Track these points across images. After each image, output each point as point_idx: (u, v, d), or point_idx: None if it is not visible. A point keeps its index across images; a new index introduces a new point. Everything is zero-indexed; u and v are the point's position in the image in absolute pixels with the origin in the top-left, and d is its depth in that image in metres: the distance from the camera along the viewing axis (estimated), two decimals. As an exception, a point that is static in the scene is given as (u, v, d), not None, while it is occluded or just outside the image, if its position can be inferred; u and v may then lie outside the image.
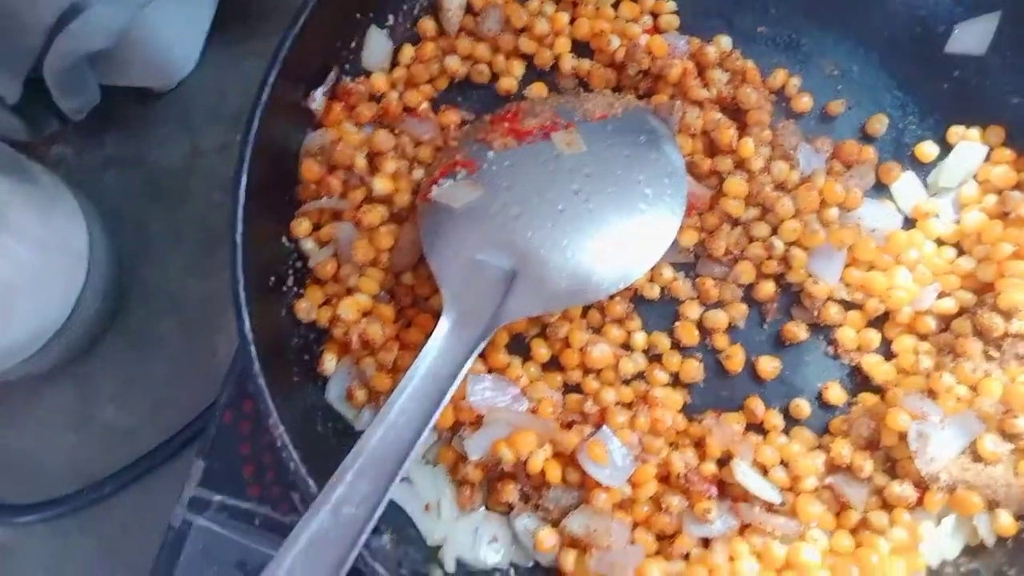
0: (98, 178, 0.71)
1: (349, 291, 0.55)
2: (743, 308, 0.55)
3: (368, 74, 0.59)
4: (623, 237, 0.51)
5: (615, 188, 0.52)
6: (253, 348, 0.48)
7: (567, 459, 0.52)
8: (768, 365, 0.55)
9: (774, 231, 0.55)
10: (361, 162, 0.56)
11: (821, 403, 0.55)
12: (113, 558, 0.64)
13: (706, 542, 0.52)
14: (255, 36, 0.71)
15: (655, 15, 0.59)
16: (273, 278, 0.54)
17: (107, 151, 0.72)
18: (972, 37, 0.56)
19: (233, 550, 0.56)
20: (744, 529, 0.52)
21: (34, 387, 0.66)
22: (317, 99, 0.57)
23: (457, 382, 0.47)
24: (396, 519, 0.53)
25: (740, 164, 0.56)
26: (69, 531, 0.64)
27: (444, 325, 0.49)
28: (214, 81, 0.71)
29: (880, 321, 0.55)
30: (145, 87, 0.70)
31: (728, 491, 0.52)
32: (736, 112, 0.57)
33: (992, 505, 0.50)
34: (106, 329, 0.68)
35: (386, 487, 0.44)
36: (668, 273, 0.56)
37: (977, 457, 0.50)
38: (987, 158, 0.56)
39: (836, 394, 0.54)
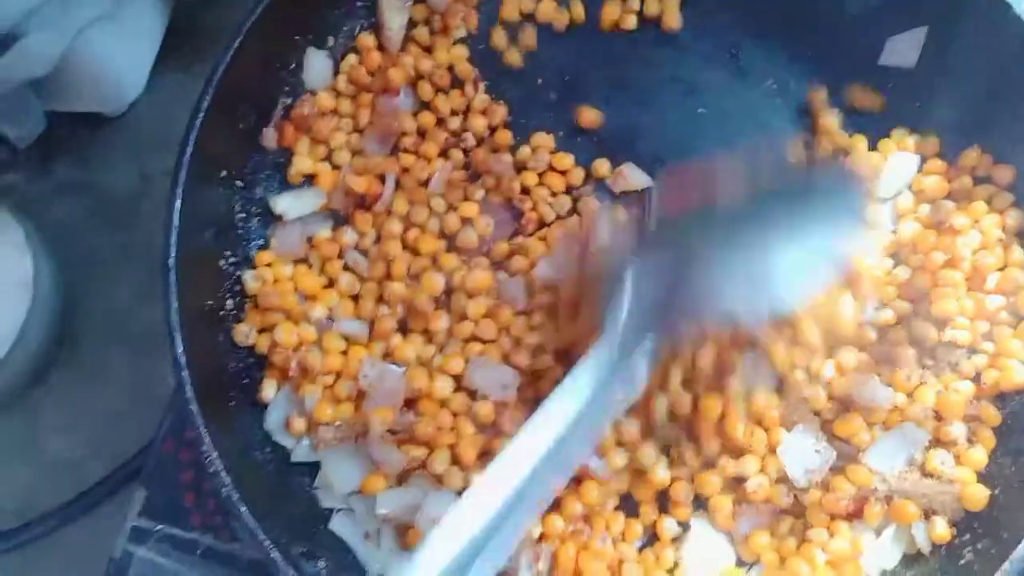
0: (47, 205, 0.70)
1: (289, 316, 0.55)
2: None
3: (313, 93, 0.59)
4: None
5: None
6: (186, 374, 0.48)
7: None
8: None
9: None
10: None
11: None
12: (61, 592, 0.63)
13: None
14: (204, 59, 0.71)
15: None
16: (210, 302, 0.54)
17: (57, 177, 0.71)
18: (903, 49, 0.57)
19: (175, 581, 0.55)
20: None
21: (-22, 420, 0.65)
22: (268, 135, 0.57)
23: None
24: (334, 547, 0.52)
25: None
26: (15, 566, 0.63)
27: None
28: (163, 105, 0.71)
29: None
30: (94, 112, 0.70)
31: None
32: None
33: (928, 513, 0.50)
34: (54, 358, 0.67)
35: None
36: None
37: (918, 469, 0.50)
38: (920, 168, 0.56)
39: None
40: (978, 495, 0.49)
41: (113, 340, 0.67)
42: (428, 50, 0.60)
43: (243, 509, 0.47)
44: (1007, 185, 0.55)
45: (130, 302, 0.68)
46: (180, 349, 0.48)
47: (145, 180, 0.71)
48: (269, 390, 0.54)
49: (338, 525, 0.53)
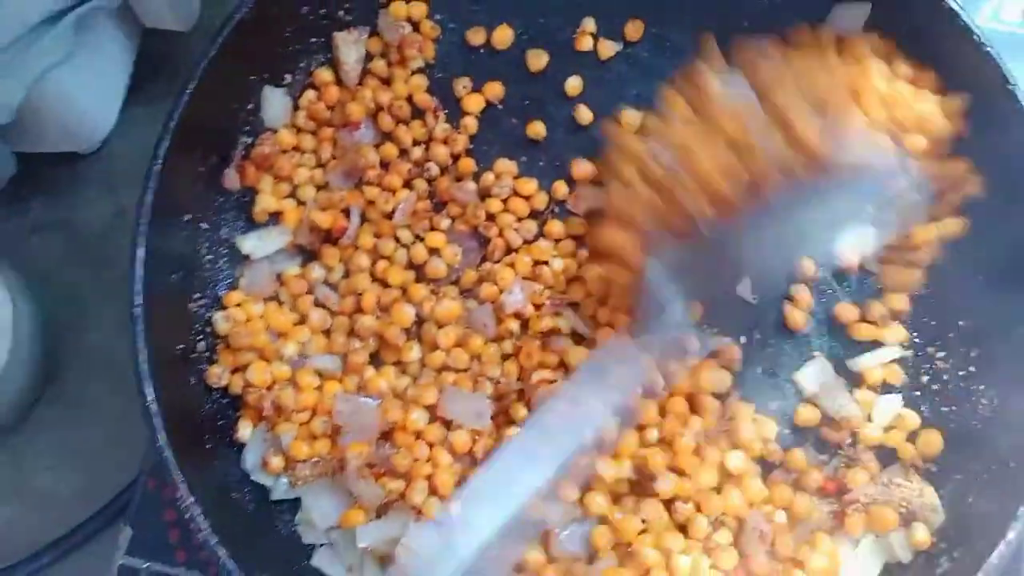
0: (24, 245, 0.71)
1: (261, 354, 0.55)
2: None
3: (273, 131, 0.59)
4: None
5: None
6: (157, 420, 0.48)
7: None
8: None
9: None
10: None
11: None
12: (52, 630, 0.64)
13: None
14: (174, 94, 0.71)
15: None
16: (182, 345, 0.54)
17: (33, 216, 0.71)
18: (849, 16, 0.56)
19: (163, 617, 0.56)
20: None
21: (-35, 461, 0.66)
22: (230, 176, 0.57)
23: None
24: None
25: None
26: (3, 603, 0.64)
27: None
28: (136, 140, 0.71)
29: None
30: (67, 151, 0.70)
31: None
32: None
33: (907, 520, 0.50)
34: (39, 397, 0.67)
35: None
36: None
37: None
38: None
39: None
40: (932, 439, 0.51)
41: (98, 376, 0.67)
42: (386, 82, 0.60)
43: (221, 552, 0.47)
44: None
45: (112, 337, 0.68)
46: (151, 398, 0.48)
47: (120, 215, 0.71)
48: (245, 430, 0.54)
49: (320, 560, 0.54)
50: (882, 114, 0.45)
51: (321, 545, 0.54)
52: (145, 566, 0.57)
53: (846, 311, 0.56)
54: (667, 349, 0.49)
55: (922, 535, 0.50)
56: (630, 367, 0.48)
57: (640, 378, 0.48)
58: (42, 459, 0.67)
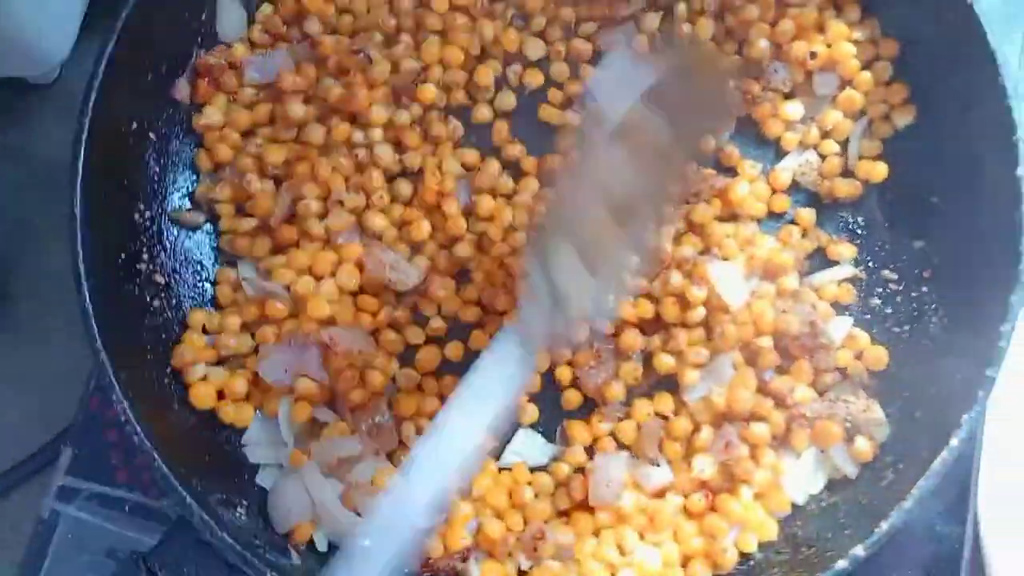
0: (-20, 172, 0.70)
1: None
2: None
3: (228, 45, 0.58)
4: None
5: None
6: (92, 322, 0.48)
7: None
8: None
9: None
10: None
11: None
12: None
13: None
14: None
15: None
16: (123, 255, 0.53)
17: (-10, 145, 0.71)
18: None
19: (104, 538, 0.55)
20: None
21: (-88, 389, 0.65)
22: (180, 87, 0.56)
23: None
24: (255, 493, 0.52)
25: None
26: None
27: None
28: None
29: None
30: (23, 79, 0.69)
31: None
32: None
33: (851, 435, 0.50)
34: (-10, 322, 0.67)
35: None
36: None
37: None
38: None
39: None
40: (878, 354, 0.52)
41: (51, 306, 0.67)
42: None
43: (156, 456, 0.46)
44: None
45: (66, 268, 0.67)
46: (87, 298, 0.48)
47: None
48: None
49: (266, 479, 0.53)
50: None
51: (268, 465, 0.54)
52: (86, 486, 0.56)
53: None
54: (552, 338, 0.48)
55: (863, 446, 0.50)
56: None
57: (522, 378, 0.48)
58: (-6, 387, 0.66)
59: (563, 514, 0.52)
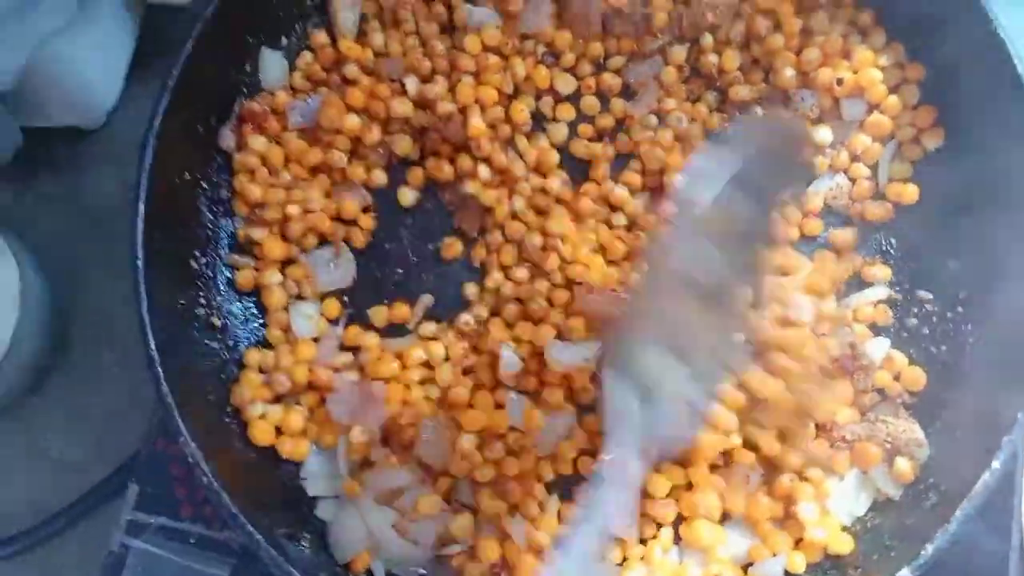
0: (33, 218, 0.72)
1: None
2: None
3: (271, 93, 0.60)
4: None
5: None
6: (158, 369, 0.50)
7: None
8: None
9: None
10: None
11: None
12: (67, 590, 0.65)
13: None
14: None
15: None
16: (183, 301, 0.56)
17: (40, 191, 0.73)
18: None
19: (171, 570, 0.57)
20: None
21: (-21, 429, 0.67)
22: (224, 136, 0.59)
23: None
24: (318, 525, 0.54)
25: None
26: (22, 568, 0.65)
27: None
28: (139, 118, 0.71)
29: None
30: (72, 126, 0.71)
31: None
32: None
33: (891, 455, 0.51)
34: (49, 367, 0.69)
35: None
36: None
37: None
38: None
39: None
40: (916, 375, 0.52)
41: (105, 344, 0.69)
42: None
43: (224, 495, 0.49)
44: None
45: (119, 307, 0.69)
46: (152, 345, 0.50)
47: (127, 189, 0.72)
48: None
49: (325, 512, 0.55)
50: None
51: (327, 497, 0.55)
52: (153, 521, 0.58)
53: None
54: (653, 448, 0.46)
55: (904, 467, 0.50)
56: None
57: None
58: (54, 426, 0.68)
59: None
